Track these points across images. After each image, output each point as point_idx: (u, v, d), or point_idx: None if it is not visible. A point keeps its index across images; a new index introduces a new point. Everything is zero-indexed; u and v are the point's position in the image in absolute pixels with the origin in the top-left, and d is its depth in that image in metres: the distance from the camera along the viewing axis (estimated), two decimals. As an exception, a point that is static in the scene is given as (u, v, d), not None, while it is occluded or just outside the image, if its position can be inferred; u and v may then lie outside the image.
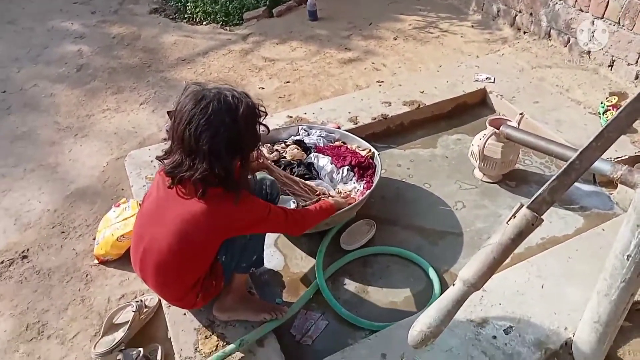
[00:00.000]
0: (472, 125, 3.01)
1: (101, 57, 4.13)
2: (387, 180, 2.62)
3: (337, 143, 2.53)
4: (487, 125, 2.45)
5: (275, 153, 2.37)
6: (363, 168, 2.38)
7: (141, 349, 1.89)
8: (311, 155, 2.45)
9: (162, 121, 3.27)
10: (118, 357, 1.85)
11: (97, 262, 2.34)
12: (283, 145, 2.47)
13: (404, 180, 2.63)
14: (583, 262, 1.98)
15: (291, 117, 2.93)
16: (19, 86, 3.79)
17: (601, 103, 2.86)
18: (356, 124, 2.86)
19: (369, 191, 2.23)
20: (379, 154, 2.42)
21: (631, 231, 1.32)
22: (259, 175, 1.86)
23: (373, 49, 3.94)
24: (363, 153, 2.44)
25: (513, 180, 2.59)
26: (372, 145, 2.80)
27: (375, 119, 2.90)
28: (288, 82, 3.62)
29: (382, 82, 3.46)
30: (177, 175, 1.47)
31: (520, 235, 1.10)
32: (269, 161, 2.21)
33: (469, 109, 3.13)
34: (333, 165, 2.40)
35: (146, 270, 1.63)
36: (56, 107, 3.53)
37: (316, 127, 2.62)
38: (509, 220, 1.12)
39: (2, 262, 2.40)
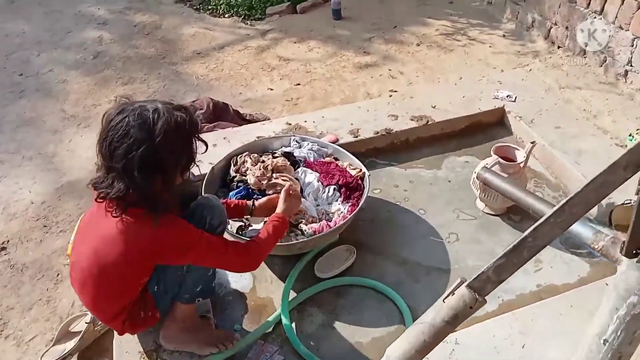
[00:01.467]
0: (485, 147, 2.77)
1: (119, 45, 4.11)
2: (380, 202, 2.44)
3: (327, 159, 2.37)
4: (492, 153, 2.24)
5: (259, 165, 2.23)
6: (350, 189, 2.21)
7: (89, 364, 1.83)
8: (299, 169, 2.31)
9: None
10: (64, 370, 1.80)
11: (70, 261, 2.30)
12: (270, 156, 2.33)
13: (398, 203, 2.45)
14: (576, 320, 1.76)
15: (290, 124, 2.78)
16: (35, 70, 3.82)
17: (629, 135, 2.57)
18: (356, 137, 2.69)
19: (350, 215, 2.07)
20: (369, 175, 2.25)
21: (610, 313, 1.11)
22: (204, 197, 1.70)
23: (393, 55, 3.74)
24: (353, 172, 2.28)
25: (518, 214, 2.36)
26: (371, 162, 2.64)
27: (378, 133, 2.72)
28: (298, 84, 3.48)
29: (395, 91, 3.27)
30: (100, 192, 1.38)
31: (456, 318, 0.93)
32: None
33: (484, 129, 2.89)
34: (320, 183, 2.24)
35: (74, 286, 1.56)
36: (66, 94, 3.52)
37: (309, 139, 2.47)
38: (446, 298, 0.95)
39: (-19, 252, 2.40)
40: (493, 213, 2.38)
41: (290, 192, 1.85)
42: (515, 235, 2.24)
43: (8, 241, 2.45)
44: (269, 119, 3.04)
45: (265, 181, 2.11)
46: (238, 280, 2.07)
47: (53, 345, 1.88)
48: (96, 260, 1.44)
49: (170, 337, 1.71)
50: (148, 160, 1.33)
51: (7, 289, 2.21)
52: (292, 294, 2.00)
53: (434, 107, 2.89)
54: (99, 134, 1.38)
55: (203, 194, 2.05)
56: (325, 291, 2.02)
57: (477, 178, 1.34)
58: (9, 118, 3.32)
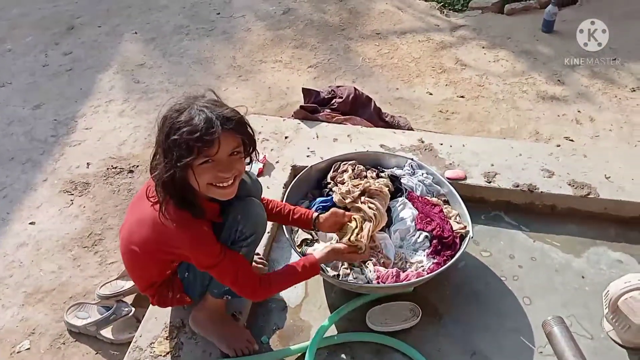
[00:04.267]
0: (657, 253, 2.11)
1: (311, 5, 4.15)
2: (481, 269, 2.05)
3: (435, 199, 2.05)
4: (644, 274, 1.67)
5: (356, 180, 2.03)
6: (443, 244, 1.89)
7: (133, 309, 1.94)
8: (398, 199, 2.04)
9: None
10: (112, 305, 1.94)
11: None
12: (374, 174, 2.11)
13: (503, 278, 2.02)
14: None
15: (423, 142, 2.48)
16: (231, 12, 4.09)
17: None
18: (489, 182, 2.28)
19: (427, 276, 1.77)
20: (472, 237, 1.88)
21: None
22: (248, 201, 1.54)
23: (592, 94, 3.04)
24: (455, 227, 1.93)
25: (657, 357, 1.76)
26: (497, 216, 2.28)
27: (518, 186, 2.26)
28: (462, 96, 3.09)
29: (571, 140, 2.67)
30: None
31: None
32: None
33: (667, 228, 2.19)
34: (413, 224, 1.96)
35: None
36: (243, 43, 3.71)
37: (427, 168, 2.16)
38: None
39: (115, 168, 2.70)
40: (621, 343, 1.81)
41: (343, 249, 1.69)
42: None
43: (138, 166, 2.72)
44: (410, 128, 2.76)
45: (349, 200, 1.91)
46: (292, 290, 1.96)
47: (116, 279, 2.04)
48: (128, 237, 1.51)
49: (196, 321, 1.72)
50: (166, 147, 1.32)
51: (115, 209, 2.47)
52: (333, 330, 1.82)
53: (607, 178, 2.28)
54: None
55: (262, 195, 1.84)
56: (366, 343, 1.80)
57: (542, 325, 0.93)
58: (191, 52, 3.64)
